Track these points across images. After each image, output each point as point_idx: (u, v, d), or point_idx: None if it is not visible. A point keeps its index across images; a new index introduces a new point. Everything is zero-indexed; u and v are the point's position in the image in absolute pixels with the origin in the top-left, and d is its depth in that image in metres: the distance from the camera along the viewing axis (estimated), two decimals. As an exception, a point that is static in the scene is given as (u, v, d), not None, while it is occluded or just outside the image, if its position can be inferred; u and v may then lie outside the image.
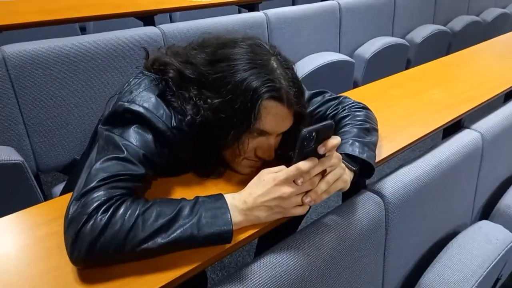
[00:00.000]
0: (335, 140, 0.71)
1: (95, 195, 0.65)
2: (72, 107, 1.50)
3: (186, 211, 0.68)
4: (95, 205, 0.64)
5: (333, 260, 0.84)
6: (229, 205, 0.71)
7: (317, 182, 0.73)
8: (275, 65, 0.81)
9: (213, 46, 0.85)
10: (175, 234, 0.66)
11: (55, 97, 1.46)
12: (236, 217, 0.71)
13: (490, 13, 3.60)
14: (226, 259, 1.74)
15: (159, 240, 0.65)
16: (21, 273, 0.66)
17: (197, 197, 0.72)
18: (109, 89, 1.57)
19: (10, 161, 1.17)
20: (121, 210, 0.65)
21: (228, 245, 0.71)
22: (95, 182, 0.67)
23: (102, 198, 0.65)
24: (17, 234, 0.76)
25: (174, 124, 0.79)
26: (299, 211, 0.74)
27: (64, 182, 1.19)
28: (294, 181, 0.71)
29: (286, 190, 0.71)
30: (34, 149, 1.46)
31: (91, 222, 0.63)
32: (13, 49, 1.40)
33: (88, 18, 2.04)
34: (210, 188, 0.86)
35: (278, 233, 0.87)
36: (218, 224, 0.68)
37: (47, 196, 1.49)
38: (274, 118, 0.81)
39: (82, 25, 2.57)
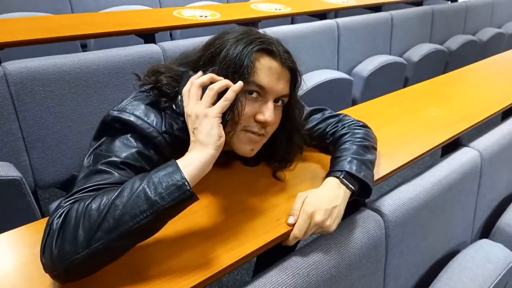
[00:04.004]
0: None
1: (59, 207, 0.66)
2: (72, 123, 1.51)
3: (135, 181, 0.66)
4: (54, 214, 0.64)
5: (332, 279, 0.83)
6: (178, 161, 0.69)
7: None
8: (262, 33, 0.86)
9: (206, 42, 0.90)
10: (129, 201, 0.63)
11: (55, 114, 1.47)
12: (188, 166, 0.68)
13: (486, 33, 3.65)
14: (225, 278, 1.71)
15: (113, 216, 0.62)
16: (16, 291, 0.65)
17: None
18: (109, 105, 1.58)
19: (8, 177, 1.16)
20: (73, 208, 0.64)
21: (225, 264, 0.70)
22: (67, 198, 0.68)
23: (65, 207, 0.65)
24: (14, 251, 0.75)
25: (164, 129, 0.80)
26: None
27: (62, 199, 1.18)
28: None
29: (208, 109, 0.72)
30: (33, 165, 1.45)
31: (50, 230, 0.63)
32: (14, 65, 1.41)
33: (89, 36, 2.06)
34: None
35: (276, 251, 0.86)
36: (172, 179, 0.65)
37: (44, 213, 1.47)
38: (269, 72, 0.82)
39: (83, 42, 2.60)
